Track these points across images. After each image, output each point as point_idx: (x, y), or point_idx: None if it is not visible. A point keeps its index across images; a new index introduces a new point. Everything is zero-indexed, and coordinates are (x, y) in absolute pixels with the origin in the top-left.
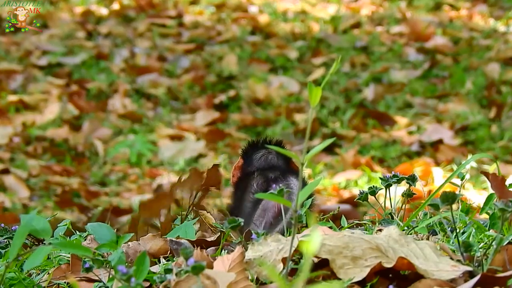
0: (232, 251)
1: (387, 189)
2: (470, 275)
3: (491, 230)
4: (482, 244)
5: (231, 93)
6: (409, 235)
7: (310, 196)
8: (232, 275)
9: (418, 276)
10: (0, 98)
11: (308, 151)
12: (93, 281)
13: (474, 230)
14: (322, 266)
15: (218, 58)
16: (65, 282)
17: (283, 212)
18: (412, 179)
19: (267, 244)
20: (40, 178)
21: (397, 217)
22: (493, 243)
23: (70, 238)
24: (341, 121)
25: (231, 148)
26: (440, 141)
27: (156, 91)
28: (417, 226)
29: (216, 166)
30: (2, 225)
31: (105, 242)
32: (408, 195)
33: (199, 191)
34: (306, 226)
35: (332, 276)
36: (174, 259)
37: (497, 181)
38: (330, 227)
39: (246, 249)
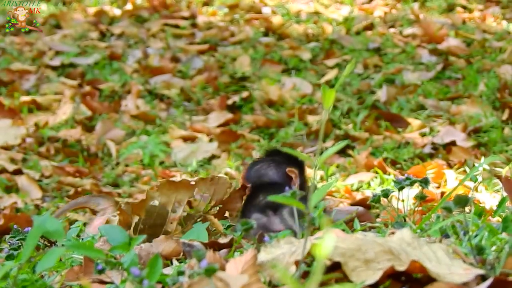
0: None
1: (400, 191)
2: (482, 278)
3: (503, 233)
4: (494, 247)
5: (244, 94)
6: (422, 238)
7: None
8: (245, 278)
9: (430, 279)
10: (13, 99)
11: (321, 153)
12: (106, 283)
13: (486, 233)
14: (335, 268)
15: (231, 59)
16: (77, 284)
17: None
18: (425, 182)
19: (280, 246)
20: (52, 179)
21: (410, 219)
22: (506, 246)
23: (83, 239)
24: (354, 123)
25: (244, 149)
26: (453, 143)
27: (169, 92)
28: (430, 229)
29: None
30: (15, 226)
31: (118, 244)
32: (421, 198)
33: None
34: (319, 229)
35: (345, 279)
36: (186, 261)
37: (510, 184)
38: (343, 230)
39: (258, 251)
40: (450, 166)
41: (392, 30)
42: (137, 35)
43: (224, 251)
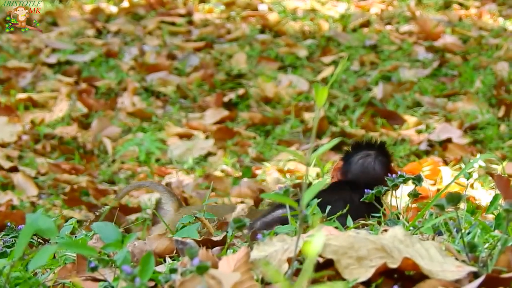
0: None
1: (393, 189)
2: (475, 275)
3: (496, 231)
4: (487, 244)
5: (240, 91)
6: (415, 235)
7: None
8: (237, 275)
9: (423, 276)
10: (9, 96)
11: (316, 150)
12: (99, 280)
13: (479, 231)
14: (327, 266)
15: (228, 56)
16: (70, 282)
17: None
18: (418, 180)
19: (273, 244)
20: (48, 176)
21: (403, 217)
22: (498, 243)
23: (76, 237)
24: (350, 120)
25: (240, 146)
26: (449, 140)
27: (165, 89)
28: (423, 226)
29: None
30: (9, 224)
31: (111, 241)
32: (414, 195)
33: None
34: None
35: (337, 276)
36: (179, 258)
37: (503, 181)
38: (336, 227)
39: (251, 249)
40: (446, 163)
41: (388, 27)
42: (134, 32)
43: (217, 248)
